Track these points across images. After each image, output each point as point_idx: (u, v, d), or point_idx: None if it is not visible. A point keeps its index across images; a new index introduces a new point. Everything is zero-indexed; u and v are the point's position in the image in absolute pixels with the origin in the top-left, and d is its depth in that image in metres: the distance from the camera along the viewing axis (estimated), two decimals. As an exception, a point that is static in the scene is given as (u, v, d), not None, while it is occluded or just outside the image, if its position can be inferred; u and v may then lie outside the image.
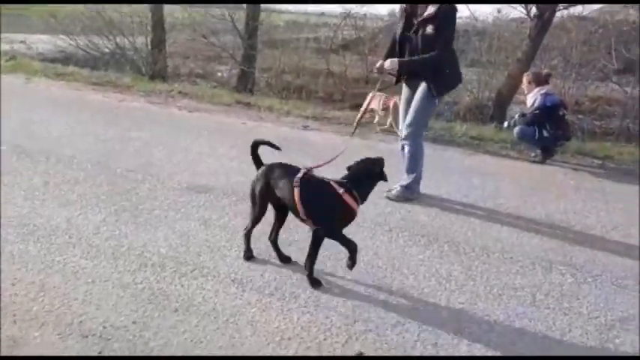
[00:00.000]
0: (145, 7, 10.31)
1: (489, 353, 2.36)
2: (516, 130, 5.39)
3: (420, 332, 2.47)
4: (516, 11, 9.73)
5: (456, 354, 2.35)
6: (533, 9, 7.37)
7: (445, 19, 3.66)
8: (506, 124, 5.80)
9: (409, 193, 4.06)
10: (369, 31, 11.28)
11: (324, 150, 5.44)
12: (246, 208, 3.74)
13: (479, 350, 2.38)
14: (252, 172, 2.77)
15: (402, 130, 4.09)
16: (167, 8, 10.30)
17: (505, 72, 8.28)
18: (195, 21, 10.63)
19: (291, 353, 2.30)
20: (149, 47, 10.55)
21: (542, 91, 5.29)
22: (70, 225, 3.33)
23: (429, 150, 4.43)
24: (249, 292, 2.72)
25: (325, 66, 10.74)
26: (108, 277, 2.78)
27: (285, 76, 10.84)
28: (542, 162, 5.35)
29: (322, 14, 15.59)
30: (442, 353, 2.35)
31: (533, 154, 5.45)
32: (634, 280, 3.04)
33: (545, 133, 5.26)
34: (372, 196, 2.91)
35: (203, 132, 5.85)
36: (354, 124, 3.67)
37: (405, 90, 4.11)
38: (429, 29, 3.64)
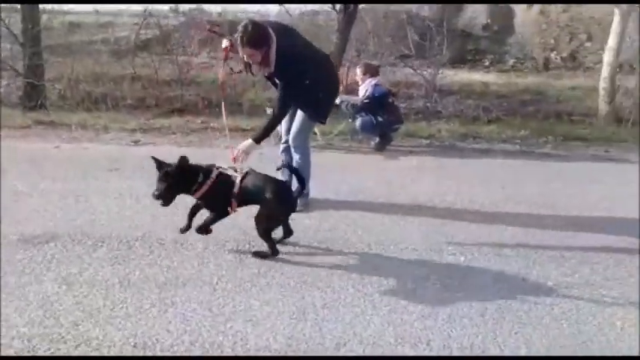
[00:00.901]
0: None
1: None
2: (357, 123, 5.64)
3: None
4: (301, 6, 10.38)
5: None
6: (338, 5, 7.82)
7: (284, 72, 3.39)
8: (339, 101, 5.94)
9: (308, 199, 3.95)
10: (169, 28, 10.62)
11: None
12: (107, 252, 3.14)
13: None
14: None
15: (284, 138, 3.96)
16: None
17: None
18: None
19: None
20: None
21: (373, 82, 5.63)
22: None
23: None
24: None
25: (126, 69, 9.73)
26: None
27: (81, 85, 9.47)
28: (383, 149, 5.70)
29: (97, 12, 13.73)
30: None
31: (373, 143, 5.77)
32: (511, 249, 3.41)
33: (380, 119, 5.60)
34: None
35: (8, 167, 4.71)
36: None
37: None
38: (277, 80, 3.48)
